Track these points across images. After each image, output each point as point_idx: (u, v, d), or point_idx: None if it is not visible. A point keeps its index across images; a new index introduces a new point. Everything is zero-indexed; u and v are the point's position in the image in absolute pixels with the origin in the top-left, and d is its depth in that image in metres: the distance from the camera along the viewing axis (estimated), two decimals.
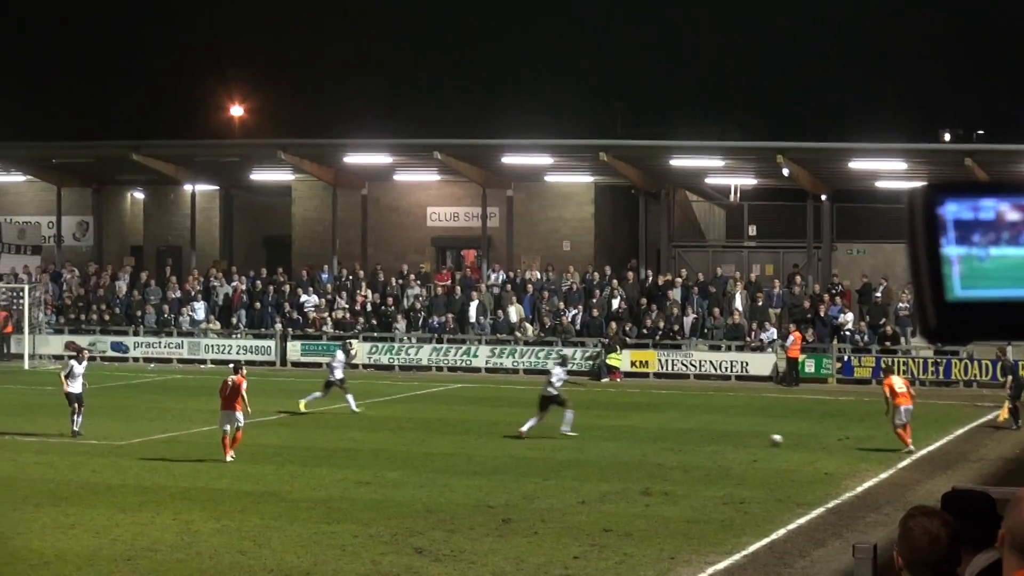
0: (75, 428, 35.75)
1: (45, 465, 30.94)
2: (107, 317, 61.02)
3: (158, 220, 69.11)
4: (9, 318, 59.10)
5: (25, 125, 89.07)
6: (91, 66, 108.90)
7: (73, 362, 37.15)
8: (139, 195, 69.71)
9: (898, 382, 34.30)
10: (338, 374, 41.73)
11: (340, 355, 42.65)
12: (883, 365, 44.41)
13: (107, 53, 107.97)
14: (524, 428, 35.52)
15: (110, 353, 59.39)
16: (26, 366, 55.76)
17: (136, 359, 58.96)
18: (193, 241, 66.12)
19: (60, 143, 68.20)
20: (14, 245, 66.74)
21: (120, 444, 34.30)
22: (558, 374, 36.59)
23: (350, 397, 41.37)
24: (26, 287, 58.81)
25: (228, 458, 31.46)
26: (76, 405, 35.86)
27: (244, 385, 32.36)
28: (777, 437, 34.40)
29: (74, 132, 77.67)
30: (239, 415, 31.98)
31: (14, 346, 58.23)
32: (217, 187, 67.52)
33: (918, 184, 3.77)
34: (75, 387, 36.07)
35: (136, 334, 60.16)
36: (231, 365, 34.74)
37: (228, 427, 31.93)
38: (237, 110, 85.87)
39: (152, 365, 57.60)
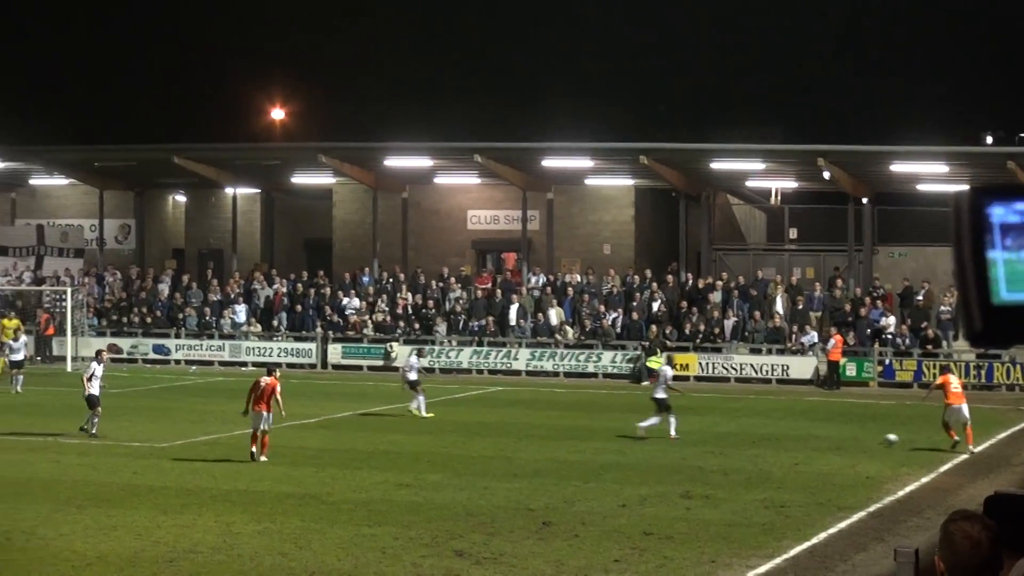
0: (92, 430, 35.96)
1: (87, 467, 31.07)
2: (149, 320, 61.28)
3: (199, 223, 69.40)
4: (51, 320, 59.44)
5: (68, 129, 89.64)
6: (133, 70, 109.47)
7: (94, 364, 37.41)
8: (181, 198, 70.02)
9: (954, 381, 34.75)
10: (412, 376, 41.85)
11: (414, 359, 42.67)
12: (941, 365, 44.24)
13: (149, 57, 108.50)
14: (644, 425, 36.16)
15: (152, 356, 59.66)
16: (68, 368, 56.01)
17: (178, 361, 59.20)
18: (234, 244, 66.35)
19: (102, 147, 68.61)
20: (57, 248, 67.17)
21: (162, 446, 34.42)
22: (667, 374, 37.03)
23: (421, 399, 41.51)
24: (69, 290, 59.12)
25: (254, 454, 31.79)
26: (95, 407, 36.07)
27: (278, 388, 32.56)
28: (893, 437, 34.32)
29: (116, 136, 78.17)
30: (268, 416, 32.21)
31: (56, 348, 58.51)
32: (258, 190, 67.74)
33: (963, 188, 3.76)
34: (94, 389, 36.30)
35: (178, 336, 60.42)
36: (267, 367, 34.97)
37: (262, 427, 32.16)
38: (278, 113, 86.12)
39: (193, 368, 57.83)
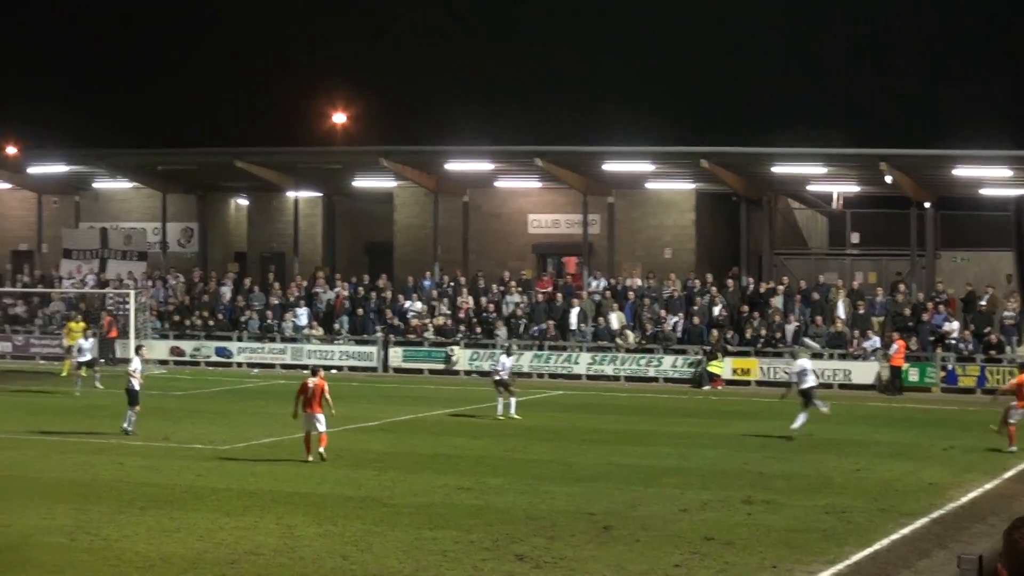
0: (130, 428, 36.67)
1: (150, 469, 31.28)
2: (211, 323, 61.63)
3: (262, 227, 69.74)
4: (115, 323, 59.85)
5: (131, 132, 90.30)
6: (196, 74, 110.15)
7: (136, 359, 38.00)
8: (243, 202, 70.38)
9: None
10: (504, 376, 42.03)
11: (504, 359, 42.80)
12: (1020, 363, 43.84)
13: (212, 61, 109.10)
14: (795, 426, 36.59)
15: (214, 358, 59.99)
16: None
17: (239, 364, 59.50)
18: (296, 247, 66.66)
19: (165, 150, 69.11)
20: (120, 251, 67.70)
21: (224, 448, 34.62)
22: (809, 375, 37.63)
23: (513, 400, 41.68)
24: (132, 292, 59.50)
25: (309, 458, 32.02)
26: (135, 406, 36.84)
27: (326, 388, 32.83)
28: (824, 409, 34.70)
29: (179, 139, 78.67)
30: (321, 417, 32.47)
31: (119, 351, 58.90)
32: (320, 194, 68.01)
33: None
34: (136, 384, 37.05)
35: (240, 340, 60.72)
36: (311, 368, 35.23)
37: (314, 430, 32.42)
38: (340, 117, 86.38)
39: (255, 370, 58.11)
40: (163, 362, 59.58)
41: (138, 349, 40.16)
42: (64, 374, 53.89)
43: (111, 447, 34.76)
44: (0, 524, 24.71)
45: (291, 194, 67.36)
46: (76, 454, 33.55)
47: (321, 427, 32.44)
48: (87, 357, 50.11)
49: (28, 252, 72.84)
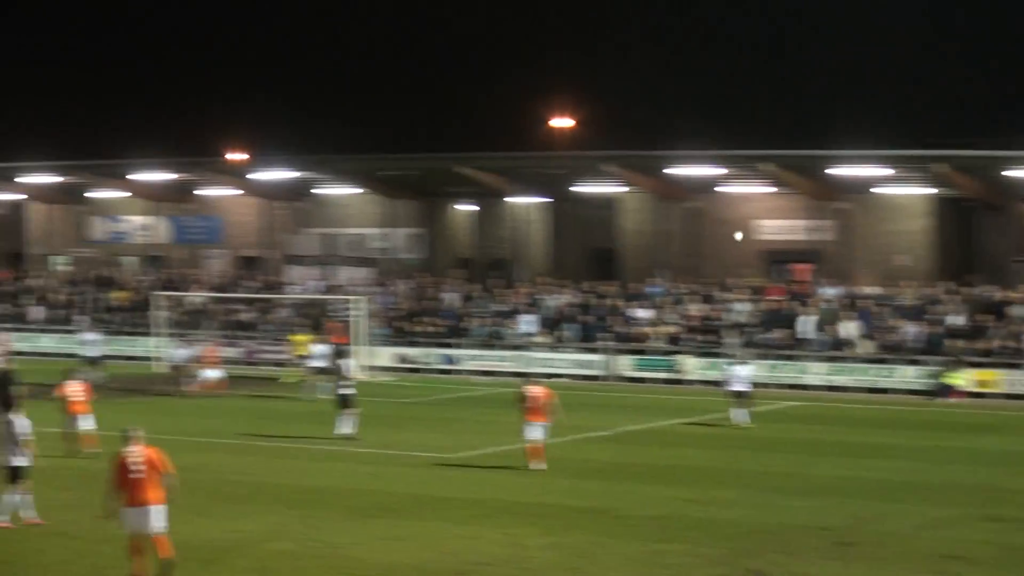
0: (349, 431, 37.44)
1: (375, 476, 31.58)
2: (437, 329, 62.07)
3: (486, 232, 70.11)
4: (341, 329, 60.50)
5: (356, 138, 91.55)
6: (422, 78, 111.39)
7: (351, 362, 38.93)
8: (467, 207, 70.81)
9: None
10: (737, 387, 41.83)
11: (740, 370, 42.60)
12: None
13: (434, 66, 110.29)
14: None
15: (439, 365, 60.41)
16: (359, 378, 56.90)
17: (465, 372, 59.81)
18: (520, 253, 66.87)
19: (388, 156, 69.93)
20: (345, 257, 68.71)
21: (449, 456, 34.79)
22: None
23: (747, 411, 41.51)
24: (357, 299, 60.18)
25: (532, 467, 32.19)
26: (350, 408, 37.67)
27: (551, 396, 33.03)
28: None
29: (403, 144, 79.55)
30: (543, 426, 32.62)
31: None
32: (544, 199, 68.12)
33: None
34: (347, 389, 38.13)
35: (465, 347, 61.03)
36: (527, 376, 35.47)
37: (536, 436, 32.57)
38: (562, 121, 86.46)
39: (481, 378, 58.34)
40: (389, 369, 60.19)
41: (345, 354, 40.75)
42: (289, 380, 54.73)
43: (340, 454, 35.20)
44: (232, 529, 25.13)
45: (514, 200, 67.61)
46: (306, 460, 34.07)
47: (541, 435, 32.54)
48: (319, 363, 50.80)
49: (254, 258, 74.37)
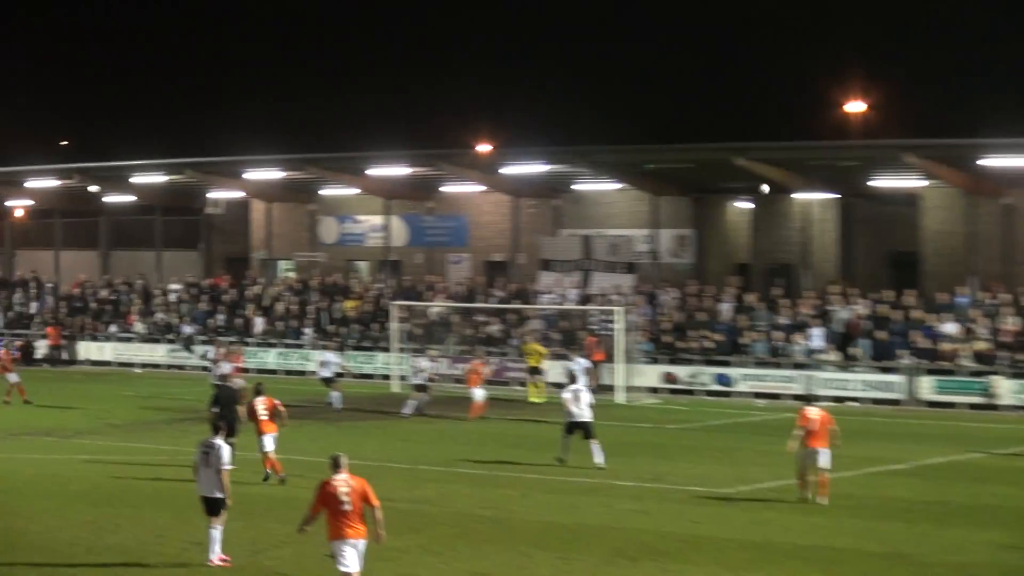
0: (599, 461, 38.06)
1: (641, 513, 31.68)
2: (709, 345, 61.89)
3: (766, 234, 69.64)
4: (600, 345, 60.77)
5: (617, 127, 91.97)
6: (691, 57, 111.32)
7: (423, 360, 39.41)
8: (744, 205, 70.47)
9: None
10: None
11: None
12: None
13: (709, 43, 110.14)
14: None
15: (712, 387, 60.24)
16: (620, 399, 57.17)
17: (742, 394, 59.53)
18: (806, 258, 66.34)
19: (654, 146, 69.96)
20: (605, 262, 68.92)
21: (725, 492, 34.73)
22: None
23: None
24: (619, 309, 60.30)
25: (809, 496, 32.47)
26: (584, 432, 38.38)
27: (830, 422, 33.07)
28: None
29: (672, 134, 79.54)
30: (828, 452, 32.69)
31: (605, 376, 59.78)
32: (833, 195, 67.45)
33: None
34: (585, 413, 38.73)
35: (743, 365, 60.77)
36: (807, 397, 35.53)
37: (814, 467, 32.61)
38: (856, 106, 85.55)
39: (761, 401, 58.03)
40: (654, 390, 60.23)
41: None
42: (536, 400, 55.15)
43: (598, 487, 35.36)
44: (474, 571, 25.46)
45: (799, 196, 67.07)
46: (561, 494, 34.29)
47: (825, 463, 32.61)
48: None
49: (503, 263, 75.03)
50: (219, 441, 26.04)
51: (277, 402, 36.60)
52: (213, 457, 25.74)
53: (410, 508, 31.33)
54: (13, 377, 56.05)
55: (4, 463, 39.06)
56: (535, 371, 58.22)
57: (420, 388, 52.72)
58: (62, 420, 50.55)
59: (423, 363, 53.93)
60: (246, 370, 59.97)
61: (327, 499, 21.63)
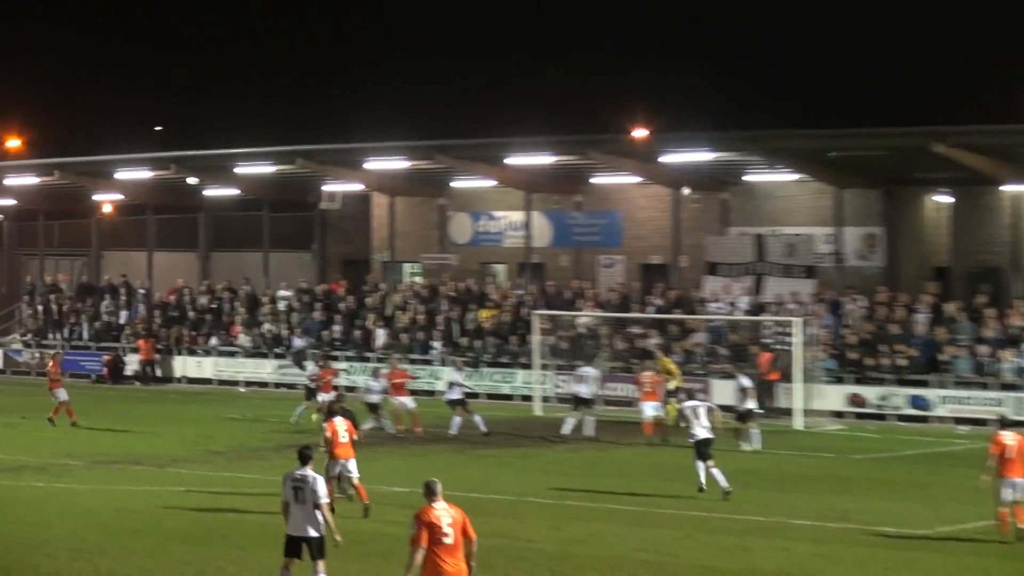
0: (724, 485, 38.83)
1: (822, 558, 31.45)
2: (902, 362, 61.22)
3: (969, 233, 68.82)
4: (775, 361, 60.23)
5: (793, 110, 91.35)
6: (895, 34, 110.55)
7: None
8: (943, 199, 69.71)
9: None
10: None
11: None
12: None
13: (901, 12, 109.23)
14: None
15: (907, 410, 59.60)
16: (798, 424, 56.68)
17: (941, 419, 58.82)
18: (1017, 260, 65.53)
19: (839, 131, 69.08)
20: (781, 265, 68.27)
21: (921, 533, 34.39)
22: None
23: None
24: (797, 320, 59.80)
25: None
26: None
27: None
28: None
29: (859, 116, 78.78)
30: (1021, 483, 32.73)
31: (781, 399, 59.22)
32: None
33: None
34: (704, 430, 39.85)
35: (942, 386, 60.02)
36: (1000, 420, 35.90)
37: (1007, 499, 32.72)
38: None
39: (963, 427, 57.31)
40: (838, 415, 59.67)
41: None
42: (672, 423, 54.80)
43: (773, 527, 35.13)
44: None
45: (1009, 188, 66.20)
46: (728, 534, 34.09)
47: (1014, 496, 32.66)
48: (748, 404, 50.56)
49: (662, 266, 74.66)
50: (311, 472, 25.90)
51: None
52: (308, 491, 25.61)
53: (556, 550, 31.12)
54: (62, 394, 56.62)
55: (89, 495, 39.35)
56: (671, 392, 57.35)
57: (581, 402, 52.61)
58: (155, 446, 50.91)
59: (588, 371, 53.77)
60: (352, 388, 59.73)
61: (428, 531, 21.39)
